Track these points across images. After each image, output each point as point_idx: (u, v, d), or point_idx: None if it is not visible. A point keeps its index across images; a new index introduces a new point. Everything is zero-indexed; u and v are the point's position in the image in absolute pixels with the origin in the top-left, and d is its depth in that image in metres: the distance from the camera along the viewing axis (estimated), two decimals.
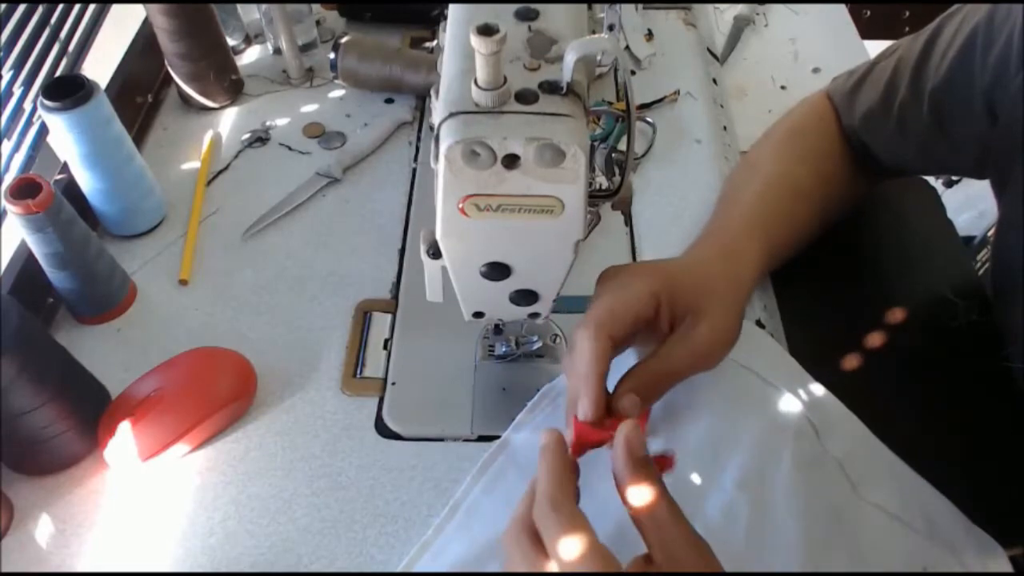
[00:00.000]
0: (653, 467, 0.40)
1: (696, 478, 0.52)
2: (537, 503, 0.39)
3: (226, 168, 0.79)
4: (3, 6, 0.75)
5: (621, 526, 0.42)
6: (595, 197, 0.50)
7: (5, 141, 0.73)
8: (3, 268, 0.64)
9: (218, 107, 0.85)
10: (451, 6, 0.48)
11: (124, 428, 0.55)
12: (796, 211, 0.59)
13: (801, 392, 0.56)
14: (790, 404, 0.55)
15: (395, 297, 0.67)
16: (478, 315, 0.54)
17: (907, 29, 1.29)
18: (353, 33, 0.85)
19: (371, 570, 0.52)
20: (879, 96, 0.59)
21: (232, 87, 0.85)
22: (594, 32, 0.50)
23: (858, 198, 0.66)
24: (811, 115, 0.65)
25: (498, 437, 0.56)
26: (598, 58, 0.41)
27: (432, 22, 0.93)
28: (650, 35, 0.93)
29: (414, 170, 0.79)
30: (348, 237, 0.72)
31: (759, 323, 0.61)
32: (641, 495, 0.38)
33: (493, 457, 0.55)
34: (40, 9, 0.80)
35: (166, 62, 0.81)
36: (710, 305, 0.48)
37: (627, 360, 0.49)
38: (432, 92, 0.45)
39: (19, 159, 0.74)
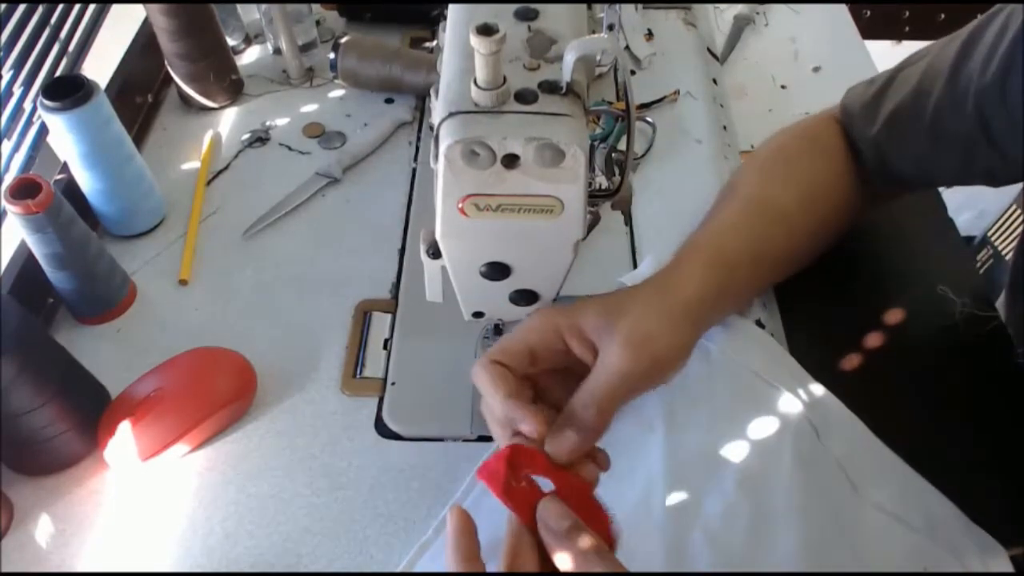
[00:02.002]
0: (578, 531, 0.40)
1: (696, 478, 0.52)
2: None
3: (226, 168, 0.79)
4: (3, 6, 0.75)
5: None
6: (595, 197, 0.50)
7: (5, 141, 0.73)
8: (3, 268, 0.64)
9: (218, 107, 0.85)
10: (451, 6, 0.48)
11: (124, 428, 0.55)
12: (766, 232, 0.56)
13: (801, 392, 0.56)
14: (790, 404, 0.55)
15: (395, 297, 0.67)
16: (478, 315, 0.54)
17: (907, 29, 1.29)
18: (353, 33, 0.86)
19: (371, 570, 0.52)
20: (909, 101, 0.56)
21: (232, 87, 0.85)
22: (594, 32, 0.50)
23: (853, 222, 0.63)
24: (803, 136, 0.62)
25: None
26: (598, 58, 0.41)
27: (432, 22, 0.93)
28: (650, 35, 0.93)
29: (414, 170, 0.79)
30: (348, 237, 0.72)
31: (759, 323, 0.61)
32: (566, 561, 0.39)
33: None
34: (40, 9, 0.80)
35: (166, 62, 0.81)
36: (622, 320, 0.45)
37: None
38: (432, 92, 0.45)
39: (19, 159, 0.74)
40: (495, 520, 0.51)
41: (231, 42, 0.89)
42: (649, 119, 0.81)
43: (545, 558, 0.40)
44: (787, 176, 0.60)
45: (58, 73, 0.82)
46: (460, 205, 0.41)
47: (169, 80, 0.84)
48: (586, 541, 0.39)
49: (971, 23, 0.54)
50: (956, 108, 0.53)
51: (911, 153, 0.58)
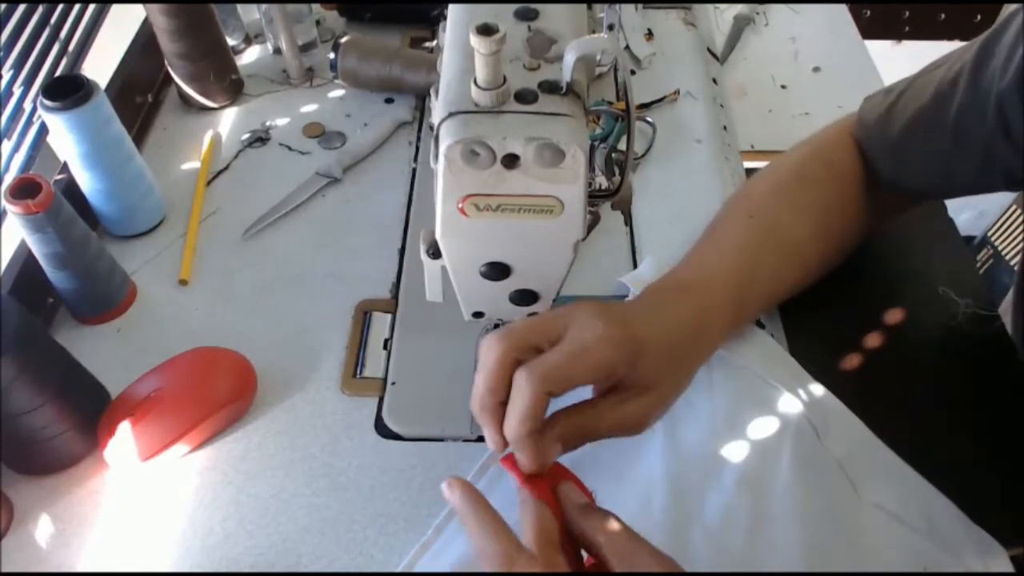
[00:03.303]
0: (594, 506, 0.41)
1: (696, 478, 0.52)
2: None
3: (226, 168, 0.79)
4: (3, 6, 0.75)
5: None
6: (595, 197, 0.50)
7: (5, 141, 0.73)
8: (3, 268, 0.64)
9: (218, 107, 0.85)
10: (451, 6, 0.48)
11: (124, 428, 0.55)
12: (783, 269, 0.58)
13: (801, 392, 0.56)
14: (790, 404, 0.55)
15: (395, 297, 0.67)
16: (478, 315, 0.54)
17: (907, 29, 1.29)
18: (353, 33, 0.86)
19: (371, 570, 0.52)
20: (930, 104, 0.55)
21: (232, 87, 0.85)
22: (594, 32, 0.50)
23: (861, 241, 0.64)
24: (820, 157, 0.62)
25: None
26: (598, 58, 0.41)
27: (432, 22, 0.93)
28: (650, 35, 0.93)
29: (414, 170, 0.79)
30: (348, 237, 0.72)
31: (759, 323, 0.61)
32: (600, 529, 0.40)
33: (493, 457, 0.55)
34: (40, 9, 0.80)
35: (166, 62, 0.81)
36: (663, 386, 0.47)
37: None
38: (432, 92, 0.45)
39: (19, 159, 0.74)
40: None
41: (231, 42, 0.89)
42: (649, 119, 0.81)
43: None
44: (804, 203, 0.60)
45: (58, 73, 0.82)
46: (460, 205, 0.41)
47: (169, 80, 0.84)
48: (613, 522, 0.40)
49: (990, 28, 0.54)
50: (978, 111, 0.52)
51: (932, 158, 0.57)
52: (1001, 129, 0.52)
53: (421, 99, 0.85)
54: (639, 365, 0.45)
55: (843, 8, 1.08)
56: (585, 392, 0.46)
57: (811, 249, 0.59)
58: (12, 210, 0.56)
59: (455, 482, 0.43)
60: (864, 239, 0.64)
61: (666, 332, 0.49)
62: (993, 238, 1.19)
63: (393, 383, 0.61)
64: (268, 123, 0.83)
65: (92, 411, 0.57)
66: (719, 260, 0.56)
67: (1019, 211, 1.15)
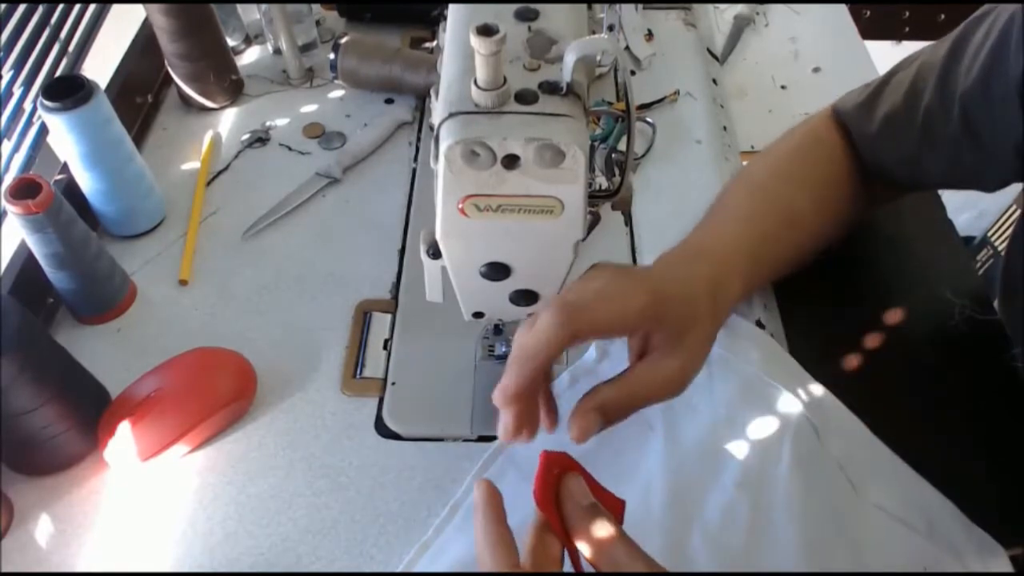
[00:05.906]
0: (601, 509, 0.40)
1: (696, 478, 0.52)
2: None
3: (226, 168, 0.79)
4: (3, 6, 0.75)
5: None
6: (595, 197, 0.50)
7: (5, 141, 0.73)
8: (3, 268, 0.64)
9: (218, 107, 0.85)
10: (451, 6, 0.48)
11: (124, 428, 0.55)
12: (787, 238, 0.58)
13: (801, 392, 0.56)
14: (790, 404, 0.55)
15: (395, 297, 0.67)
16: (478, 315, 0.54)
17: (907, 29, 1.29)
18: (353, 33, 0.86)
19: (371, 570, 0.52)
20: (901, 104, 0.57)
21: (232, 87, 0.85)
22: (594, 32, 0.50)
23: (858, 220, 0.64)
24: (811, 138, 0.63)
25: (498, 437, 0.56)
26: (598, 58, 0.41)
27: (432, 22, 0.93)
28: (650, 35, 0.93)
29: (414, 170, 0.79)
30: (348, 237, 0.72)
31: (759, 323, 0.61)
32: (594, 538, 0.39)
33: (493, 458, 0.55)
34: (40, 9, 0.80)
35: (166, 62, 0.81)
36: (690, 339, 0.46)
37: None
38: (432, 92, 0.45)
39: (19, 159, 0.74)
40: None
41: (231, 42, 0.89)
42: (649, 119, 0.81)
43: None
44: (801, 176, 0.60)
45: (58, 73, 0.82)
46: (460, 205, 0.41)
47: (169, 80, 0.84)
48: (606, 528, 0.39)
49: (960, 25, 0.54)
50: (944, 111, 0.53)
51: (903, 155, 0.58)
52: (965, 129, 0.52)
53: (421, 99, 0.86)
54: (664, 318, 0.45)
55: (843, 8, 1.08)
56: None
57: (811, 220, 0.59)
58: (12, 210, 0.56)
59: (484, 482, 0.42)
60: (859, 219, 0.64)
61: (683, 288, 0.48)
62: (993, 238, 1.19)
63: (393, 383, 0.61)
64: (268, 123, 0.83)
65: (92, 411, 0.57)
66: (727, 229, 0.56)
67: (1019, 211, 1.15)
